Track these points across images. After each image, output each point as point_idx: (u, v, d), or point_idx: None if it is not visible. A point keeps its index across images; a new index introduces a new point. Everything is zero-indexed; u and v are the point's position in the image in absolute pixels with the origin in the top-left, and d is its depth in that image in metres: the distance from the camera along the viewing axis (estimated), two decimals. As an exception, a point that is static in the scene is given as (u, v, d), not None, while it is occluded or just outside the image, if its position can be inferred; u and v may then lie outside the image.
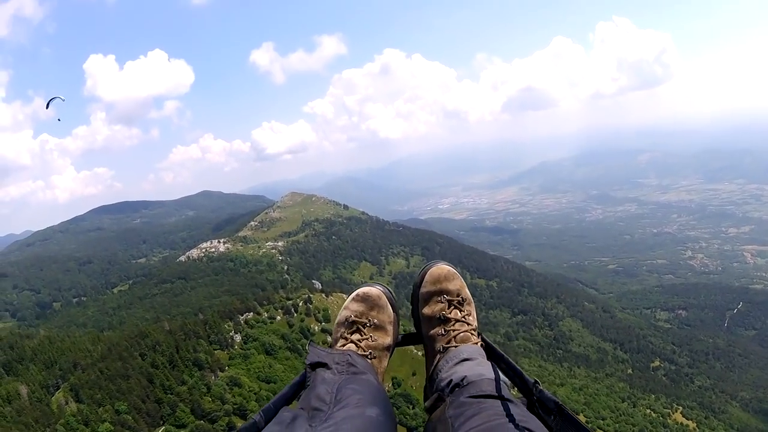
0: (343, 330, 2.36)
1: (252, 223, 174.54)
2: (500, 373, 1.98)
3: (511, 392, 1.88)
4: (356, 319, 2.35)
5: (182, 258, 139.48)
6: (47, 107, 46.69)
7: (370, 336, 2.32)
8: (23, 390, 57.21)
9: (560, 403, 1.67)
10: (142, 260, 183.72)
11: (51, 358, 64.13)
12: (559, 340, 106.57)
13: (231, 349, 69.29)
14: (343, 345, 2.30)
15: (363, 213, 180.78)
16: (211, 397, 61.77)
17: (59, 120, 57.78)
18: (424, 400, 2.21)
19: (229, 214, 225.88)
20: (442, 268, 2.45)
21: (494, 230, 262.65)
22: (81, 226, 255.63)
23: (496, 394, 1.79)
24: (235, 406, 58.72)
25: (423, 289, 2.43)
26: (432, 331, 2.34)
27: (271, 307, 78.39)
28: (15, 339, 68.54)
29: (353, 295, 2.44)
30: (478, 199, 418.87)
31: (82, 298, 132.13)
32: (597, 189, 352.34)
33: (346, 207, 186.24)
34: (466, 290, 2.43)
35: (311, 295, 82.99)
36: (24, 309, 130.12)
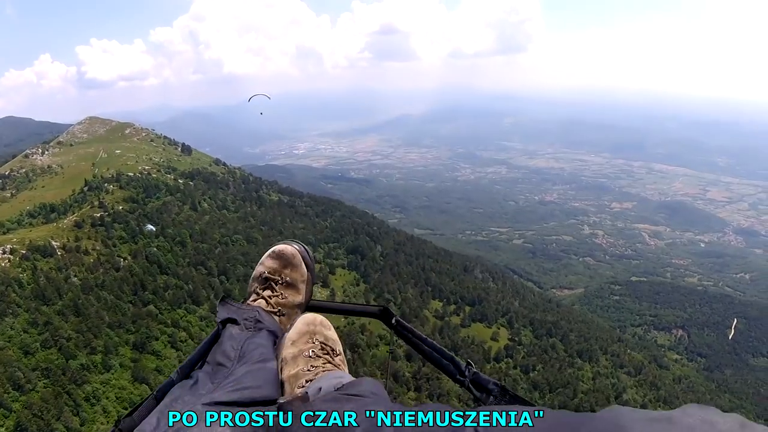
0: (256, 285, 2.35)
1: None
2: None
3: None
4: (269, 275, 2.33)
5: None
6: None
7: (281, 293, 2.30)
8: None
9: (501, 383, 1.65)
10: None
11: None
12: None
13: None
14: (254, 300, 2.29)
15: (217, 162, 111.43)
16: None
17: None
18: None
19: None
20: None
21: (363, 183, 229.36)
22: None
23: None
24: None
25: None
26: None
27: None
28: None
29: (269, 251, 2.41)
30: (337, 147, 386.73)
31: None
32: (463, 147, 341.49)
33: (187, 150, 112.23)
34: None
35: None
36: None
